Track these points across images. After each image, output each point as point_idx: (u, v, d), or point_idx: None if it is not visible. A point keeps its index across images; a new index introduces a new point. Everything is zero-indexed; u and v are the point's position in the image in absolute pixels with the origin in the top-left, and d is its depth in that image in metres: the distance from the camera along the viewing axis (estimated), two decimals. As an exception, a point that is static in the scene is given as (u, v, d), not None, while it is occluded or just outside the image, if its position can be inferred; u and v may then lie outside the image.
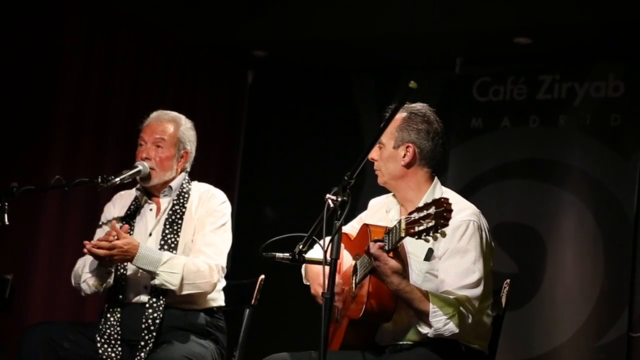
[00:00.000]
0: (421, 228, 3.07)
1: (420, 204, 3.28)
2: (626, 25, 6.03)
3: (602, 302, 6.16)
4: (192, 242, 4.13)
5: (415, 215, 3.09)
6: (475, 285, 3.36)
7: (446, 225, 3.04)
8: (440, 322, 3.28)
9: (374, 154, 3.55)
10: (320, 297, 3.62)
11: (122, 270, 4.09)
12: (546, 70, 6.57)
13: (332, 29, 6.59)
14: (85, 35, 6.11)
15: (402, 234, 3.13)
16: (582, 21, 6.06)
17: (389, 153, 3.55)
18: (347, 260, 3.60)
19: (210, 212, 4.17)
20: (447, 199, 3.06)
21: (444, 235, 3.08)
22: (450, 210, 3.04)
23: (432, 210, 3.06)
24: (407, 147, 3.55)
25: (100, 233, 4.20)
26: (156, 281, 3.99)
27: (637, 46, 6.22)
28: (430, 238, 3.09)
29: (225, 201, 4.24)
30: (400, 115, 3.55)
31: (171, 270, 3.98)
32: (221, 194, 4.26)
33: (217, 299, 4.20)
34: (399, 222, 3.15)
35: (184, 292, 4.01)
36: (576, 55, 6.49)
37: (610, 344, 6.10)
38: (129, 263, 4.05)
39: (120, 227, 4.02)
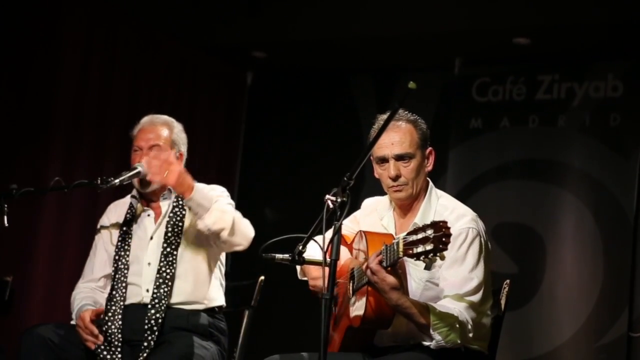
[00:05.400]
0: (419, 250, 3.05)
1: (417, 217, 3.26)
2: (625, 25, 6.03)
3: (602, 302, 6.17)
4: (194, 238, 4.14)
5: (414, 237, 3.07)
6: (475, 291, 3.35)
7: (445, 249, 3.03)
8: (442, 335, 3.27)
9: (396, 170, 3.45)
10: (315, 287, 3.63)
11: (124, 272, 4.10)
12: (545, 71, 6.57)
13: (331, 30, 6.60)
14: (85, 37, 6.11)
15: (400, 255, 3.11)
16: (581, 21, 6.06)
17: (418, 163, 3.48)
18: (344, 255, 3.58)
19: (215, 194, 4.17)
20: (445, 223, 3.03)
21: (442, 258, 3.06)
22: (449, 235, 3.03)
23: (430, 233, 3.03)
24: (430, 152, 3.55)
25: (100, 248, 4.22)
26: (207, 220, 3.96)
27: (636, 46, 6.22)
28: (428, 260, 3.08)
29: (225, 190, 4.25)
30: (406, 125, 3.48)
31: (223, 209, 4.00)
32: (219, 186, 4.26)
33: (218, 298, 4.20)
34: (397, 242, 3.13)
35: (231, 236, 4.00)
36: (575, 55, 6.50)
37: (610, 344, 6.11)
38: (130, 266, 4.09)
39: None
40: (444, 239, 3.01)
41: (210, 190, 4.11)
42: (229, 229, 3.99)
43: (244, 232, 4.07)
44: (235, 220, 4.03)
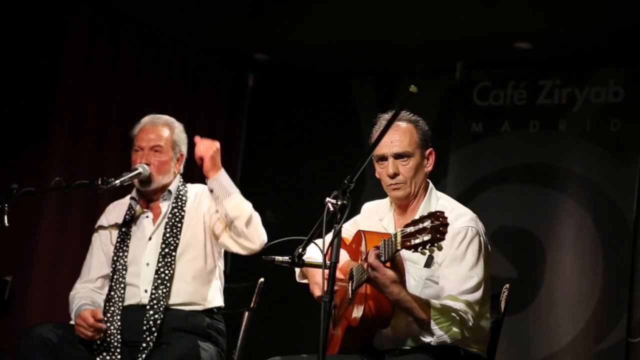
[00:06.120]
0: (417, 241, 3.06)
1: (417, 216, 3.27)
2: (626, 31, 6.04)
3: (601, 308, 6.17)
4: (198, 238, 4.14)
5: (411, 229, 3.08)
6: (475, 289, 3.36)
7: (442, 239, 3.04)
8: (443, 329, 3.28)
9: (395, 169, 3.48)
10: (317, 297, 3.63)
11: (122, 273, 4.10)
12: (546, 76, 6.58)
13: (333, 33, 6.60)
14: (87, 38, 6.12)
15: (398, 247, 3.12)
16: (582, 27, 6.07)
17: (417, 163, 3.50)
18: (343, 258, 3.58)
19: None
20: (442, 213, 3.04)
21: (440, 248, 3.07)
22: (447, 225, 3.03)
23: (427, 224, 3.04)
24: (430, 152, 3.56)
25: (97, 249, 4.22)
26: (227, 204, 4.00)
27: (637, 52, 6.23)
28: (426, 251, 3.09)
29: None
30: (406, 125, 3.50)
31: (243, 199, 4.04)
32: None
33: (217, 298, 4.21)
34: (395, 234, 3.14)
35: (247, 228, 4.02)
36: (576, 60, 6.51)
37: (609, 349, 6.11)
38: (128, 267, 4.10)
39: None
40: (441, 229, 3.02)
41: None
42: (246, 218, 4.01)
43: (259, 231, 4.08)
44: (253, 214, 4.05)
